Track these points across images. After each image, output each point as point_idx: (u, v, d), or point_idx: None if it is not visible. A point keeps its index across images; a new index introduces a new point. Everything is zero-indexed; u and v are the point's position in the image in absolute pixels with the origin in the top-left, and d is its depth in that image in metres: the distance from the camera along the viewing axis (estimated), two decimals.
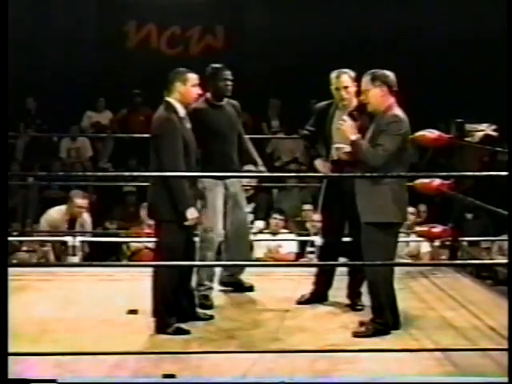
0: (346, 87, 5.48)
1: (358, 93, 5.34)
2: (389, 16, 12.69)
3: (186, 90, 5.09)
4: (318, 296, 5.71)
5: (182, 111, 5.10)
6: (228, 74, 5.73)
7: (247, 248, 6.07)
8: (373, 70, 5.06)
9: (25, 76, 11.72)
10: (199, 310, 5.36)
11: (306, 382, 4.10)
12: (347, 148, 5.08)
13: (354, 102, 5.51)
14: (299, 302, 5.70)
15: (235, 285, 5.99)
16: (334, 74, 5.56)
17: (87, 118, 12.38)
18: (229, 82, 5.72)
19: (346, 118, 5.14)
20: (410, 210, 8.06)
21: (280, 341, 4.93)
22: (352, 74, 5.54)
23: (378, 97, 4.99)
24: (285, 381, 3.84)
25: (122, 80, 12.58)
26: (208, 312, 5.44)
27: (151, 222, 7.14)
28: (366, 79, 5.04)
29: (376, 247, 4.89)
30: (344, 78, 5.49)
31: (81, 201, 7.99)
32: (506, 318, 4.31)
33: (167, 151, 4.97)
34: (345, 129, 5.01)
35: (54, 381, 3.76)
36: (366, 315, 5.12)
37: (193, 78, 5.13)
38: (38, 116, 12.27)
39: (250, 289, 6.00)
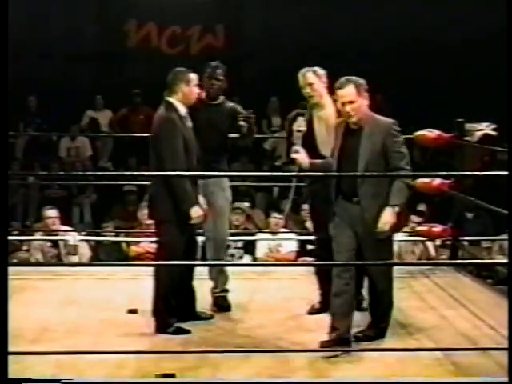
0: (310, 84, 5.33)
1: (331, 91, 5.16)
2: (390, 16, 12.69)
3: (190, 90, 5.10)
4: (327, 304, 5.26)
5: (183, 110, 5.10)
6: (217, 73, 5.53)
7: (221, 257, 5.66)
8: (352, 79, 4.75)
9: (24, 75, 11.71)
10: (199, 310, 5.36)
11: (302, 382, 4.08)
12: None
13: (326, 100, 5.37)
14: (310, 313, 5.49)
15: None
16: (299, 73, 5.42)
17: (87, 118, 12.38)
18: (214, 82, 5.52)
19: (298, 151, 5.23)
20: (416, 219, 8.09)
21: (281, 340, 4.94)
22: (320, 71, 5.39)
23: (364, 107, 4.78)
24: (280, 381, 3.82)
25: (122, 79, 12.57)
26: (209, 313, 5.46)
27: (149, 222, 7.15)
28: (348, 90, 4.71)
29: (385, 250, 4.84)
30: (308, 74, 5.35)
31: (50, 212, 8.12)
32: (506, 317, 4.31)
33: (167, 151, 4.97)
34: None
35: (58, 381, 3.75)
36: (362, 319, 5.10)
37: (194, 78, 5.15)
38: (38, 115, 12.27)
39: (228, 308, 5.66)
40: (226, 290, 5.71)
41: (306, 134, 5.37)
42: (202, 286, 5.57)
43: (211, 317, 5.37)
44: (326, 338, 4.71)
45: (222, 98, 5.63)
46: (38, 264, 7.70)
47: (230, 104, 5.67)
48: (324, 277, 5.32)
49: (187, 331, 5.03)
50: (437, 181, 6.29)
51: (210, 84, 5.54)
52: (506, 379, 3.85)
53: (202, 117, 5.44)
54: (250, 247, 8.44)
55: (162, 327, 5.03)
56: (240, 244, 8.31)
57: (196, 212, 4.99)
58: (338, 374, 4.30)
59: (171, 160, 4.96)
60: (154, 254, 5.47)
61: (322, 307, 5.40)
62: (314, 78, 5.35)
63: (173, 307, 5.07)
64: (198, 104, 5.41)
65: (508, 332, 4.10)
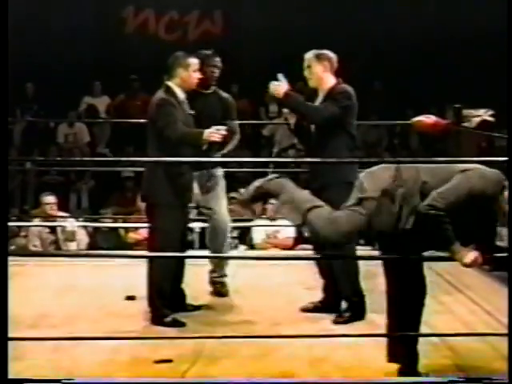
0: (308, 67, 5.17)
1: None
2: (389, 7, 12.67)
3: (188, 75, 5.08)
4: (327, 305, 5.25)
5: (181, 95, 5.10)
6: (217, 60, 5.49)
7: (220, 248, 5.58)
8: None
9: (22, 61, 11.68)
10: (188, 302, 5.33)
11: (302, 382, 4.08)
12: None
13: (325, 86, 5.17)
14: (304, 310, 5.30)
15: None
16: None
17: (85, 104, 12.36)
18: (215, 70, 5.47)
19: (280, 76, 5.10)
20: None
21: (278, 326, 4.96)
22: (327, 55, 5.17)
23: None
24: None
25: (120, 66, 12.54)
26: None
27: None
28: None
29: None
30: (307, 57, 5.19)
31: (48, 198, 8.14)
32: (502, 302, 4.32)
33: (168, 124, 4.92)
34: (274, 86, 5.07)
35: (58, 381, 3.76)
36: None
37: (194, 62, 5.12)
38: (35, 101, 12.26)
39: (225, 294, 5.69)
40: (225, 275, 5.71)
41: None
42: (196, 273, 5.59)
43: (199, 307, 5.35)
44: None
45: (213, 87, 5.56)
46: (37, 254, 7.68)
47: (223, 94, 5.60)
48: (325, 270, 5.24)
49: (183, 324, 4.98)
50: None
51: (210, 72, 5.46)
52: (506, 379, 3.83)
53: (196, 106, 5.35)
54: (247, 234, 8.46)
55: (157, 318, 5.01)
56: (235, 233, 8.32)
57: (209, 134, 4.92)
58: (336, 358, 4.32)
59: (173, 132, 4.91)
60: (148, 241, 5.40)
61: (319, 306, 5.29)
62: (313, 61, 5.15)
63: (168, 297, 5.05)
64: (191, 93, 5.33)
65: (508, 331, 4.08)
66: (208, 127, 5.04)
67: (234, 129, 5.52)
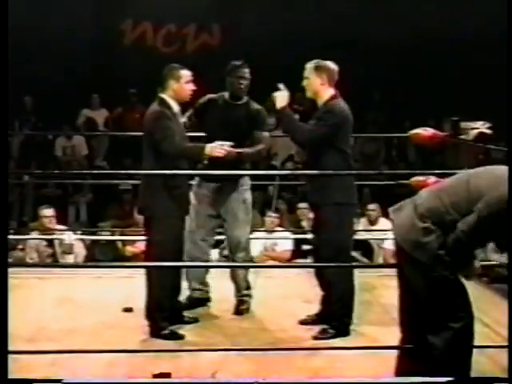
0: (306, 78, 5.14)
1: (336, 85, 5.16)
2: (390, 14, 12.70)
3: (180, 87, 5.07)
4: (324, 318, 5.17)
5: (175, 107, 5.09)
6: (244, 72, 5.44)
7: (235, 259, 5.59)
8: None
9: (20, 74, 11.69)
10: (185, 314, 5.33)
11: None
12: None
13: (320, 98, 5.12)
14: (302, 323, 5.28)
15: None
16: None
17: (83, 117, 12.37)
18: (242, 81, 5.41)
19: (281, 86, 5.14)
20: None
21: (277, 338, 4.95)
22: (326, 66, 5.11)
23: None
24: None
25: (118, 78, 12.55)
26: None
27: None
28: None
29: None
30: (307, 66, 5.15)
31: (47, 211, 8.13)
32: (501, 315, 4.31)
33: (166, 138, 4.90)
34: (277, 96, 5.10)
35: (59, 381, 3.74)
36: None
37: (186, 74, 5.10)
38: (34, 114, 12.26)
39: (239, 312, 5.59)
40: (243, 295, 5.60)
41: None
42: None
43: (197, 319, 5.33)
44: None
45: (245, 98, 5.50)
46: (35, 265, 7.68)
47: (254, 106, 5.51)
48: (324, 282, 5.18)
49: (181, 336, 4.98)
50: (432, 179, 6.28)
51: (237, 83, 5.42)
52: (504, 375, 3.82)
53: (224, 117, 5.36)
54: None
55: (155, 331, 4.99)
56: None
57: (212, 148, 4.91)
58: (335, 372, 4.31)
59: (171, 145, 4.90)
60: (145, 254, 5.37)
61: (317, 319, 5.24)
62: (311, 72, 5.10)
63: (166, 310, 5.04)
64: (222, 104, 5.40)
65: (508, 331, 4.08)
66: (233, 138, 5.04)
67: (259, 139, 5.45)
